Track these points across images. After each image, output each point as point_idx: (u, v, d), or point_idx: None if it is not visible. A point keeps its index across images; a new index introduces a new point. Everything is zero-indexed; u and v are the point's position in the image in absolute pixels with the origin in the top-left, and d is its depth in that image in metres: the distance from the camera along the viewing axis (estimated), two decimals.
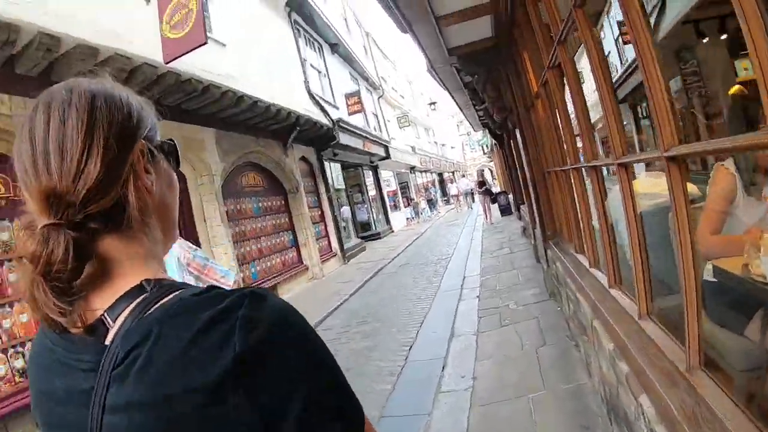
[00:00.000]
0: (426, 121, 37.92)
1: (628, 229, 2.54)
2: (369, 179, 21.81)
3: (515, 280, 7.61)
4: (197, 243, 8.69)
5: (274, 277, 11.07)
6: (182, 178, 8.67)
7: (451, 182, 35.16)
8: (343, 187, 18.37)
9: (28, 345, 5.29)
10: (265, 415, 0.53)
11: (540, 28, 4.10)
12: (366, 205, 20.58)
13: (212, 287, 0.60)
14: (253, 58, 9.62)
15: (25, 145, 0.61)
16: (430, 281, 9.45)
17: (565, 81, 3.70)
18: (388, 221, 22.70)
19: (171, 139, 0.77)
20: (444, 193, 41.00)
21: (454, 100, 11.75)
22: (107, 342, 0.57)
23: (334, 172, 16.89)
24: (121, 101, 0.66)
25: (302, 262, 12.72)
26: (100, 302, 0.60)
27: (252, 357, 0.53)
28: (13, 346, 5.33)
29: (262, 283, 10.44)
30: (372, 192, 21.84)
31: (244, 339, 0.53)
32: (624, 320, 2.64)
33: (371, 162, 21.52)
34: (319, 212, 14.66)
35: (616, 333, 2.61)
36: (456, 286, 8.42)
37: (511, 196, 16.26)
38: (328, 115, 13.86)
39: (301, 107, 11.75)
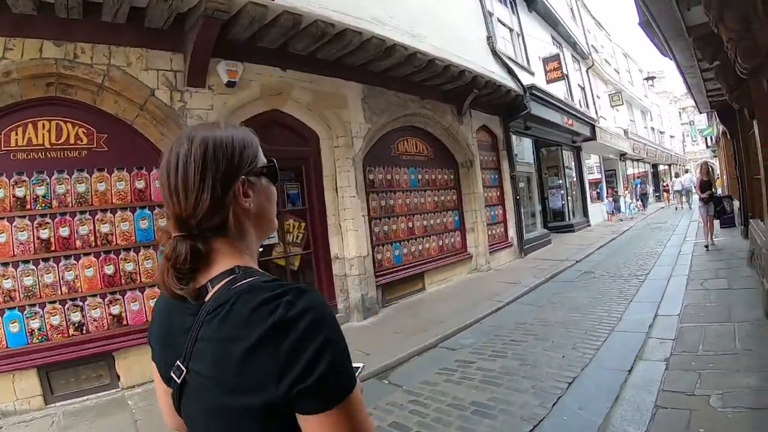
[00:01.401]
0: (643, 103, 32.26)
1: None
2: (569, 162, 18.73)
3: (729, 343, 4.79)
4: (323, 215, 7.45)
5: (425, 263, 9.43)
6: (314, 138, 7.52)
7: (676, 176, 30.02)
8: (535, 167, 15.84)
9: (89, 300, 5.11)
10: (280, 368, 0.75)
11: None
12: (562, 192, 17.63)
13: (276, 279, 0.88)
14: (411, 2, 7.86)
15: (164, 179, 0.94)
16: (610, 308, 6.78)
17: None
18: (585, 213, 19.40)
19: (272, 160, 1.05)
20: (657, 188, 35.31)
21: (675, 59, 7.46)
22: (206, 300, 0.89)
23: (523, 148, 14.56)
24: (226, 147, 0.95)
25: (466, 249, 10.86)
26: (206, 277, 0.91)
27: (283, 325, 0.77)
28: (73, 299, 5.02)
29: (408, 269, 8.96)
30: (571, 177, 18.77)
31: (283, 313, 0.77)
32: None
33: (573, 142, 18.39)
34: (498, 193, 12.53)
35: None
36: (642, 326, 5.78)
37: (737, 204, 12.02)
38: (518, 79, 11.64)
39: (480, 67, 9.76)
